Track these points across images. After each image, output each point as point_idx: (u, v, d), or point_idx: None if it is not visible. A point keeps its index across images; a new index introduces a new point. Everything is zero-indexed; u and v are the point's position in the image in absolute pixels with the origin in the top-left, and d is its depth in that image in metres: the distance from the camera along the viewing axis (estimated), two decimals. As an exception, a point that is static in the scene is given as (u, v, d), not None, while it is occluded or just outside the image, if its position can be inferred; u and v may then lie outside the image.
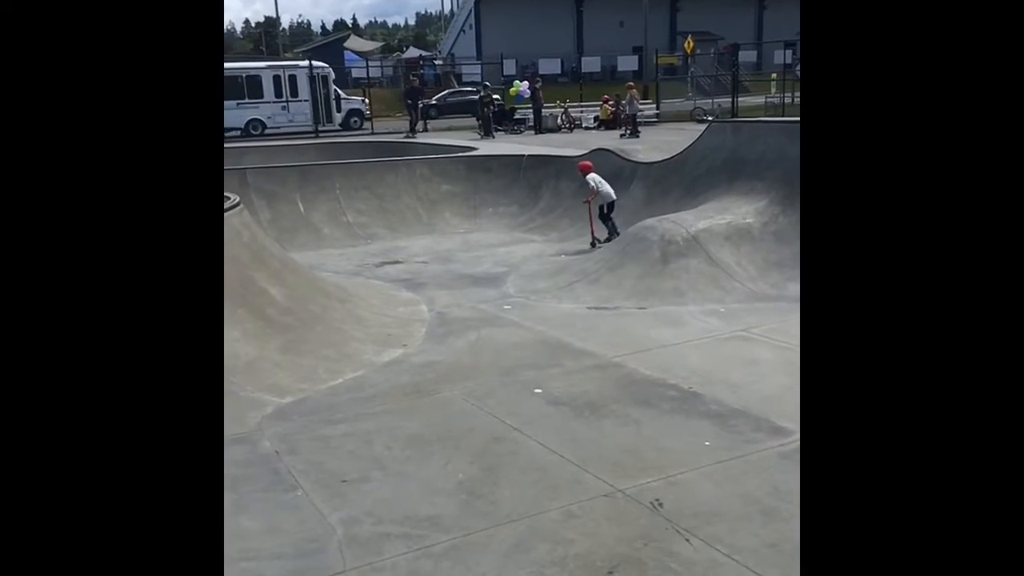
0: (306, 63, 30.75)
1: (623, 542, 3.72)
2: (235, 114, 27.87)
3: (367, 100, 30.82)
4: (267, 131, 28.11)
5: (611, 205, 11.03)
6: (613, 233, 10.84)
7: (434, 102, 33.10)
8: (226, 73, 28.34)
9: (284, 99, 29.08)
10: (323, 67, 30.48)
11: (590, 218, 11.09)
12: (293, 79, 29.39)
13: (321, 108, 29.35)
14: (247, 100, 28.62)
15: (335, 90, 30.43)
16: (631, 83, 23.50)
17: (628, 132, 21.64)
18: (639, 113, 23.04)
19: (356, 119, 30.20)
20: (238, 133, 27.77)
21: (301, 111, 29.26)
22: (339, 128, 29.38)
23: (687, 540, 3.71)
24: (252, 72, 29.52)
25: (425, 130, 24.07)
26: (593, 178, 11.04)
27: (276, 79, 29.19)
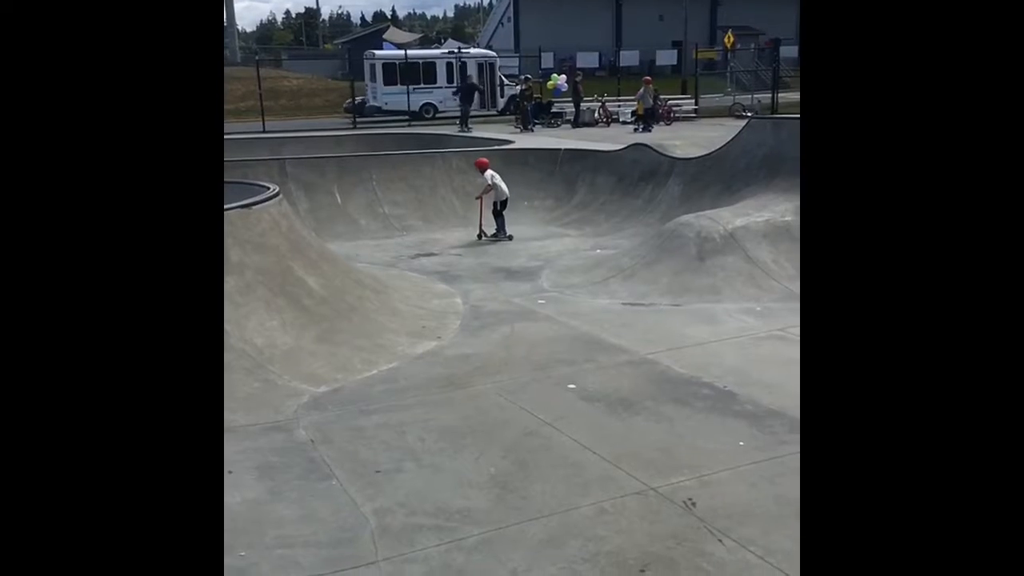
0: (477, 51, 31.97)
1: (655, 540, 3.71)
2: (411, 98, 28.65)
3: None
4: (438, 115, 28.79)
5: (504, 203, 11.53)
6: (501, 231, 11.50)
7: None
8: (407, 60, 29.66)
9: (455, 85, 29.50)
10: (491, 56, 31.65)
11: (480, 212, 11.64)
12: (464, 66, 30.43)
13: (488, 94, 30.20)
14: (422, 85, 29.62)
15: (500, 77, 31.31)
16: (647, 77, 23.22)
17: (641, 127, 21.20)
18: (659, 108, 22.78)
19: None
20: (407, 118, 28.22)
21: None
22: (498, 113, 30.06)
23: (720, 540, 3.69)
24: (428, 60, 30.86)
25: (467, 127, 24.08)
26: (490, 174, 11.50)
27: (449, 66, 30.25)
